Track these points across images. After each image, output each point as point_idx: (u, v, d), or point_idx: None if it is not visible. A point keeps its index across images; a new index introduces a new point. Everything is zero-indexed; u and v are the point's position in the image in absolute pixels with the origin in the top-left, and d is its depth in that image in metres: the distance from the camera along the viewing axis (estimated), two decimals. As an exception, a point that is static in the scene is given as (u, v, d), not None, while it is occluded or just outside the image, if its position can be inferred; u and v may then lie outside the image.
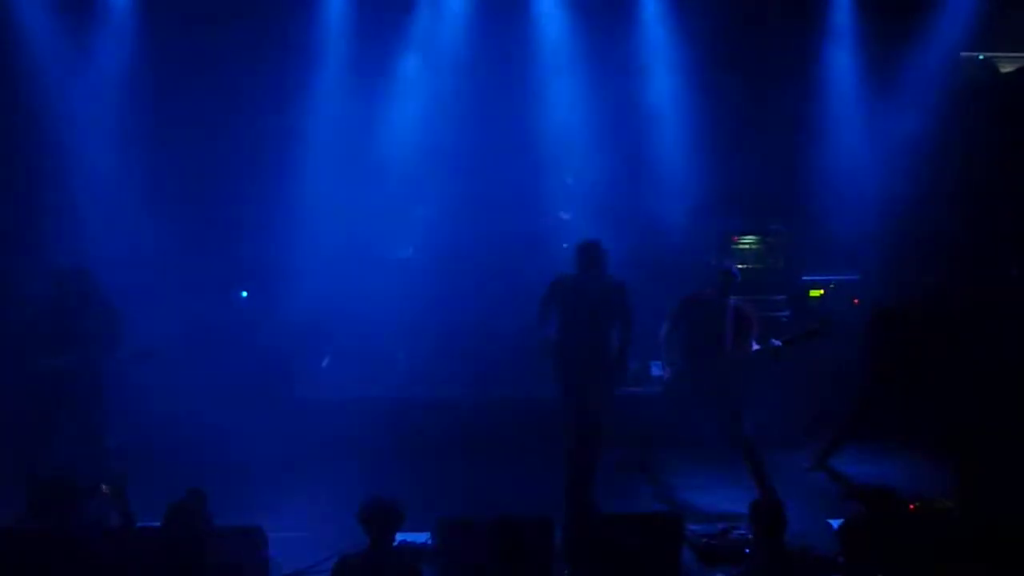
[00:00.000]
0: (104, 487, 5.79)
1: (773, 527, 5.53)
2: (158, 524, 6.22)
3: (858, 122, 9.99)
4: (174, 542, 5.26)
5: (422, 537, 6.68)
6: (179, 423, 8.49)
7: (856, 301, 9.44)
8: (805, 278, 9.56)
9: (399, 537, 5.87)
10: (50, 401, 7.35)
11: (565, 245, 9.81)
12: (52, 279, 7.40)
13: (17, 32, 9.02)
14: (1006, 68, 10.14)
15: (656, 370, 9.04)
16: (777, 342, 7.58)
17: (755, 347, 7.59)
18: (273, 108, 9.62)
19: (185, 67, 9.43)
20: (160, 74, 9.44)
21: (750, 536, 6.36)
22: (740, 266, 9.12)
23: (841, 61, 10.03)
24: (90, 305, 7.40)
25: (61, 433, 7.43)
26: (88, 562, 5.35)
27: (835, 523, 6.73)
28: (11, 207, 9.04)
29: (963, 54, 9.87)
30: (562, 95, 10.11)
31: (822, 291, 9.48)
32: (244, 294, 9.16)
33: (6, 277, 8.76)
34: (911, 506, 6.83)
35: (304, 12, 9.63)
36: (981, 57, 10.01)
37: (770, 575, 5.43)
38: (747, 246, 9.57)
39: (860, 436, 8.45)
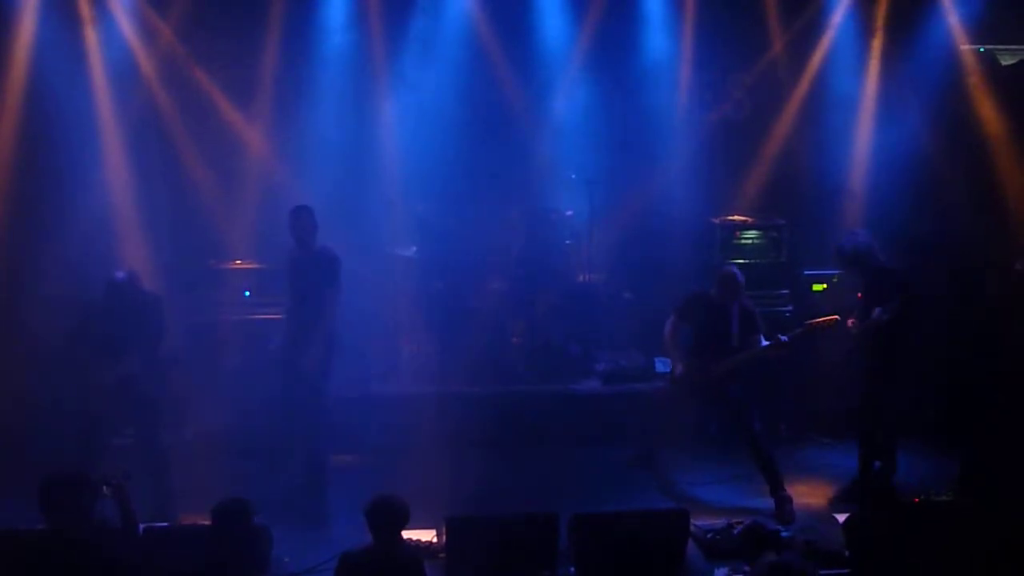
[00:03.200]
0: (105, 488, 5.80)
1: (758, 548, 5.59)
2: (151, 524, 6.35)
3: (860, 115, 9.97)
4: (225, 542, 5.31)
5: (428, 534, 6.70)
6: (181, 422, 8.52)
7: (860, 295, 9.42)
8: (807, 272, 9.55)
9: (404, 535, 5.89)
10: (111, 409, 7.32)
11: (568, 241, 9.85)
12: (110, 294, 7.28)
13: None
14: (1007, 61, 10.13)
15: (661, 366, 9.06)
16: (784, 337, 7.57)
17: (763, 342, 7.58)
18: (276, 104, 9.63)
19: (185, 65, 9.46)
20: (160, 71, 9.44)
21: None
22: (742, 261, 9.16)
23: (842, 54, 10.02)
24: (141, 308, 7.35)
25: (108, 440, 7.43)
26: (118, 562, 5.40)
27: (840, 518, 6.75)
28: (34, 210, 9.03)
29: (964, 47, 9.85)
30: (564, 90, 10.13)
31: (825, 285, 9.47)
32: (247, 294, 9.15)
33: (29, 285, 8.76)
34: (915, 500, 6.83)
35: (305, 9, 9.62)
36: (982, 50, 9.99)
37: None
38: (749, 241, 9.56)
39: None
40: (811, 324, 7.65)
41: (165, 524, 6.72)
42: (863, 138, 9.92)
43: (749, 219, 9.71)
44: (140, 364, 7.29)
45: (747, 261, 9.32)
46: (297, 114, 9.69)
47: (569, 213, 9.89)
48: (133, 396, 7.30)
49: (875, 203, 9.70)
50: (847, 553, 5.96)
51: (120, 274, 7.36)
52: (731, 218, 9.72)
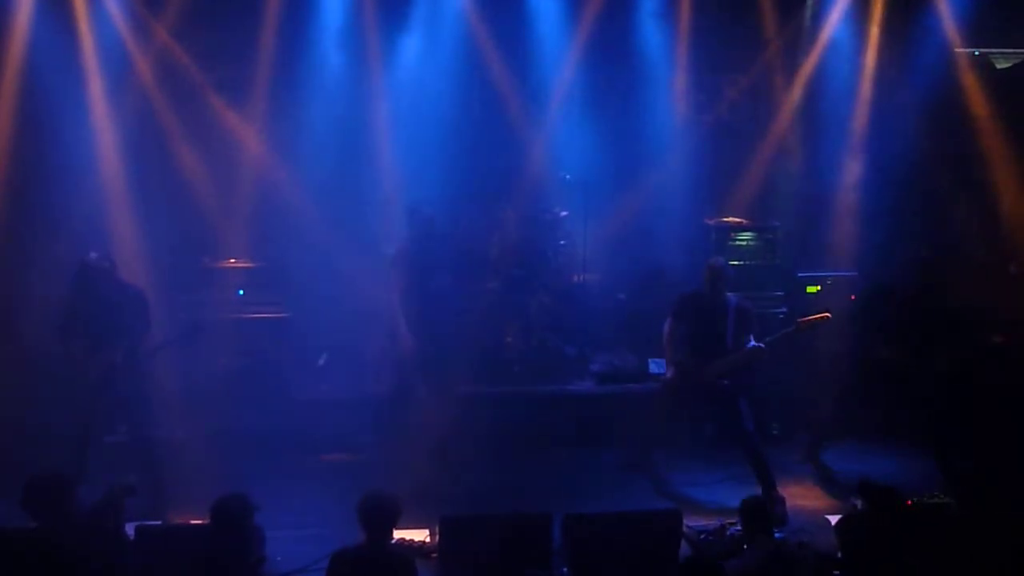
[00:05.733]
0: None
1: (759, 523, 5.58)
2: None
3: (854, 117, 9.98)
4: (225, 540, 5.31)
5: (421, 534, 6.70)
6: (173, 422, 8.49)
7: (852, 297, 9.45)
8: (801, 274, 9.56)
9: (397, 534, 5.89)
10: (97, 403, 7.34)
11: (562, 242, 9.85)
12: (81, 274, 7.26)
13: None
14: (1001, 64, 10.16)
15: (655, 367, 9.05)
16: (761, 344, 7.57)
17: (752, 343, 7.59)
18: (271, 103, 9.61)
19: (181, 62, 9.44)
20: (156, 68, 9.42)
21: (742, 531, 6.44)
22: (736, 262, 9.17)
23: (836, 57, 10.04)
24: (122, 300, 7.31)
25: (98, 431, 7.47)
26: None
27: (833, 519, 6.75)
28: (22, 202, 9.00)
29: (959, 50, 9.87)
30: (559, 90, 10.13)
31: (819, 287, 9.48)
32: (240, 292, 9.16)
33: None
34: (908, 502, 6.84)
35: (300, 7, 9.61)
36: (977, 53, 10.02)
37: (764, 569, 5.45)
38: (743, 242, 9.57)
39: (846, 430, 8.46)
40: (802, 322, 7.69)
41: (158, 523, 6.72)
42: (857, 141, 9.93)
43: (744, 221, 9.73)
44: (122, 357, 7.26)
45: (741, 263, 9.33)
46: (292, 112, 9.68)
47: (564, 214, 9.88)
48: (116, 389, 7.28)
49: (869, 206, 9.72)
50: (839, 555, 5.97)
51: (92, 254, 7.31)
52: (726, 219, 9.73)
